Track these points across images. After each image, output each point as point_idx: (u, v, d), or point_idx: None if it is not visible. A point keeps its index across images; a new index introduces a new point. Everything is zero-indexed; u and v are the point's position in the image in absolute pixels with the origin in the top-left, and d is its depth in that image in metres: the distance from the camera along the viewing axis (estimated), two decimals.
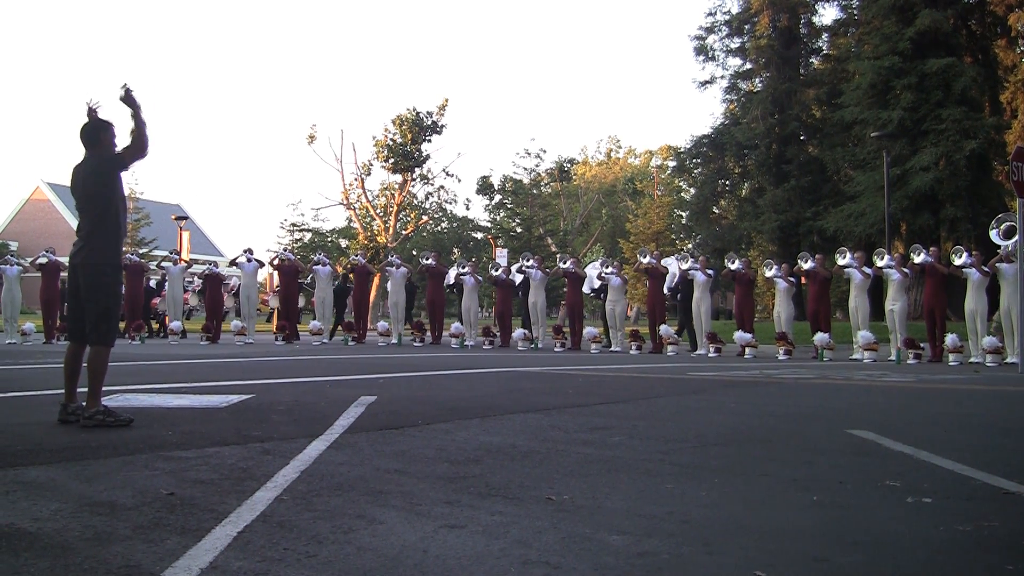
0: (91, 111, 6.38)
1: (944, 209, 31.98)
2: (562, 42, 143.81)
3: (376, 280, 33.45)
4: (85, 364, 6.19)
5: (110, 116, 6.47)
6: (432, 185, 46.13)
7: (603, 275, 21.56)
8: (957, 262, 16.90)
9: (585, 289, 22.47)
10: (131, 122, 6.24)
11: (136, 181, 53.53)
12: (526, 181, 58.01)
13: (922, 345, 17.15)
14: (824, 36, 45.88)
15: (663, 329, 19.94)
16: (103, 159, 6.33)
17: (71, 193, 6.41)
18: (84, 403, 6.03)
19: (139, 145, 6.28)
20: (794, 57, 43.98)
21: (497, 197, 62.09)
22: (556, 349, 20.69)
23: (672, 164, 62.62)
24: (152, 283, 26.52)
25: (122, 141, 6.37)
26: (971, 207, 31.46)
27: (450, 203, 51.07)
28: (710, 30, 46.37)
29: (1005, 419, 7.86)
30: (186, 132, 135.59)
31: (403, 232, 44.97)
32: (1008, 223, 16.31)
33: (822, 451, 5.44)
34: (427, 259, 23.16)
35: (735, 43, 46.28)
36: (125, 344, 18.99)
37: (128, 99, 6.21)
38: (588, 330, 20.96)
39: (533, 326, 22.22)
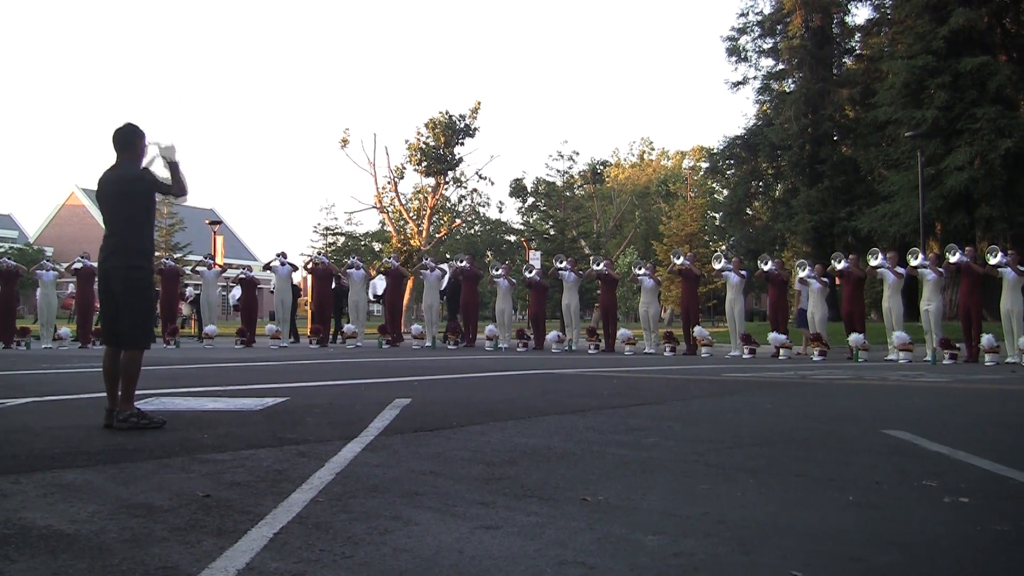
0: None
1: (979, 209, 31.59)
2: (594, 44, 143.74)
3: (410, 283, 33.48)
4: None
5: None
6: (465, 188, 46.07)
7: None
8: (992, 262, 16.72)
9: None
10: (171, 177, 6.44)
11: None
12: (559, 183, 57.82)
13: (958, 345, 17.00)
14: (857, 36, 45.47)
15: (697, 330, 19.87)
16: (143, 171, 6.37)
17: (97, 197, 6.42)
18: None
19: (179, 191, 6.47)
20: (827, 57, 43.63)
21: (530, 199, 61.97)
22: (590, 351, 20.65)
23: (705, 165, 62.53)
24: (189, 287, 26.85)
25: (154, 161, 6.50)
26: (1007, 206, 31.05)
27: (483, 206, 50.87)
28: (742, 31, 46.13)
29: None
30: (220, 137, 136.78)
31: (436, 235, 45.00)
32: None
33: (858, 451, 5.41)
34: (461, 262, 23.23)
35: (767, 43, 46.04)
36: (160, 348, 19.13)
37: (172, 160, 6.41)
38: (622, 332, 20.92)
39: (567, 328, 22.22)
